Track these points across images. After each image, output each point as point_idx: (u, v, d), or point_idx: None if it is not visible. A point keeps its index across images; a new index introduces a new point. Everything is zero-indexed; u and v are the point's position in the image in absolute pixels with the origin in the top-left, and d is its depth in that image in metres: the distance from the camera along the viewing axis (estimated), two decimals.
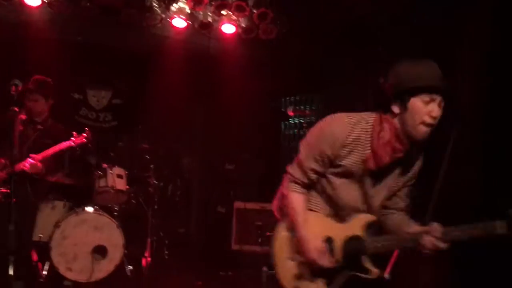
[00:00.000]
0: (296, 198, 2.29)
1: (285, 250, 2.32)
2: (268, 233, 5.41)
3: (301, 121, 6.26)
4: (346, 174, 2.18)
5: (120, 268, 4.97)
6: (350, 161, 2.14)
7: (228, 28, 5.33)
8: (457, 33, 3.73)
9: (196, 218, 6.94)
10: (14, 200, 3.13)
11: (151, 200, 5.46)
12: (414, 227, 2.19)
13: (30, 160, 4.15)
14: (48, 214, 4.94)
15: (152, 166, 5.61)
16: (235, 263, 5.51)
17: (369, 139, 2.11)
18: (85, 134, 4.50)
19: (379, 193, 2.22)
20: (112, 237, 4.93)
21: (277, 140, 6.89)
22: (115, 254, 4.92)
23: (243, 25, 5.30)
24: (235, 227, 5.53)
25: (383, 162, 2.10)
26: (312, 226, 2.24)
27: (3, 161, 4.11)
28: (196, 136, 7.17)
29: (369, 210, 2.24)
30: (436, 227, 2.04)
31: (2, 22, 5.02)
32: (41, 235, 4.84)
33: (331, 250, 2.22)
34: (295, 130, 6.48)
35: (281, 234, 2.38)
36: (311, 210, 2.31)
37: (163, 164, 6.23)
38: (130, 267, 5.08)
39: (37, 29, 5.12)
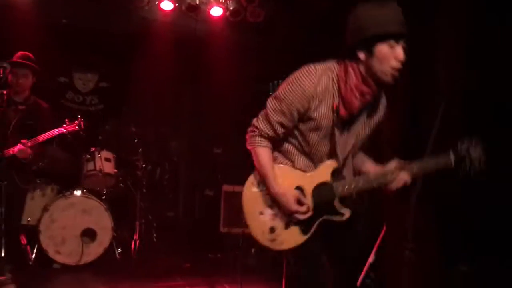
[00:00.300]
0: (263, 152, 2.29)
1: (256, 205, 2.31)
2: None
3: None
4: (319, 127, 2.19)
5: (109, 251, 5.00)
6: (321, 112, 2.15)
7: (216, 11, 5.31)
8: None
9: (184, 201, 6.97)
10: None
11: (139, 183, 5.48)
12: (373, 166, 2.36)
13: (20, 145, 4.09)
14: (36, 198, 4.94)
15: (140, 149, 5.62)
16: (223, 246, 5.56)
17: (336, 87, 2.13)
18: (77, 122, 4.48)
19: (348, 142, 2.25)
20: (101, 220, 4.95)
21: None
22: (104, 237, 4.95)
23: (231, 8, 5.27)
24: (223, 210, 5.56)
25: (353, 107, 2.14)
26: (282, 179, 2.26)
27: None
28: (184, 119, 7.16)
29: (342, 159, 2.27)
30: (397, 163, 2.19)
31: None
32: (29, 219, 4.85)
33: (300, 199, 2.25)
34: None
35: (250, 190, 2.36)
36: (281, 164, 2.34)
37: (151, 148, 6.24)
38: (119, 250, 5.12)
39: (22, 11, 5.04)
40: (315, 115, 2.16)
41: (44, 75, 5.96)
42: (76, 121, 4.48)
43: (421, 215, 3.31)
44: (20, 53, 4.23)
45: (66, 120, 4.45)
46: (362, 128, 2.25)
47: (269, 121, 2.25)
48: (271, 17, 5.40)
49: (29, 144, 4.16)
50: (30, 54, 4.23)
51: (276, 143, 2.34)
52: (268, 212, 2.29)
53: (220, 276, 4.65)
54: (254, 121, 2.34)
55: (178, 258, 5.25)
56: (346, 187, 2.23)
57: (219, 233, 5.57)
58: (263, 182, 2.30)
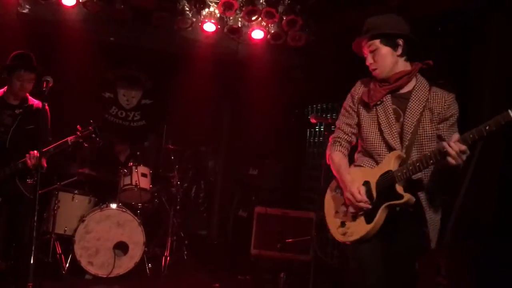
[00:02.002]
0: (337, 155, 2.69)
1: (332, 206, 2.66)
2: (287, 240, 5.41)
3: (322, 129, 6.25)
4: (361, 120, 2.62)
5: (139, 265, 5.05)
6: (359, 107, 2.63)
7: (257, 34, 5.37)
8: None
9: (217, 220, 6.99)
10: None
11: (173, 200, 5.53)
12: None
13: (32, 154, 3.62)
14: (73, 208, 5.07)
15: (176, 166, 5.69)
16: (254, 268, 5.51)
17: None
18: (91, 128, 3.88)
19: (400, 131, 2.51)
20: (134, 234, 5.02)
21: (301, 146, 6.89)
22: (136, 251, 5.01)
23: (272, 31, 5.33)
24: (255, 231, 5.54)
25: (373, 98, 2.55)
26: (353, 178, 2.57)
27: None
28: (222, 140, 7.24)
29: (402, 147, 2.49)
30: (454, 136, 2.20)
31: (39, 20, 5.18)
32: (66, 228, 4.98)
33: (368, 192, 2.48)
34: (320, 138, 6.46)
35: (329, 193, 2.72)
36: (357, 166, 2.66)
37: (188, 166, 6.33)
38: (150, 265, 5.16)
39: (72, 29, 5.26)
40: (358, 110, 2.63)
41: (90, 90, 6.26)
42: (90, 127, 3.88)
43: (455, 250, 3.19)
44: (19, 52, 3.69)
45: (78, 126, 3.91)
46: (410, 117, 2.47)
47: (338, 127, 2.74)
48: (312, 41, 5.40)
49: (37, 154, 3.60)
50: (31, 54, 3.71)
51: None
52: (342, 210, 2.59)
53: None
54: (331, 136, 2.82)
55: (207, 278, 5.23)
56: (404, 170, 2.38)
57: (249, 254, 5.54)
58: (339, 186, 2.65)
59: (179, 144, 5.91)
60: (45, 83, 2.93)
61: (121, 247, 4.96)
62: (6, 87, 3.73)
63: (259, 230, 5.52)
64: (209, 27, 5.28)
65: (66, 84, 4.90)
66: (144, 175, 5.38)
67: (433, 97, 2.47)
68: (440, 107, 2.46)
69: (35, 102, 3.78)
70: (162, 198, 5.84)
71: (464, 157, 2.18)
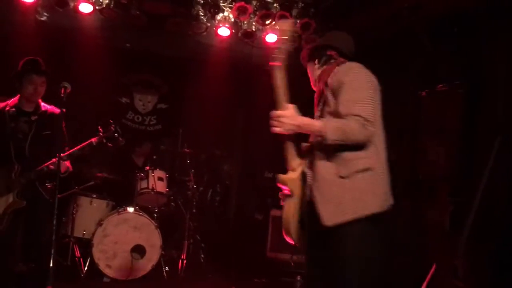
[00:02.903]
0: None
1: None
2: None
3: None
4: None
5: (157, 268, 5.10)
6: None
7: (271, 38, 5.38)
8: None
9: (233, 223, 7.01)
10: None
11: (189, 203, 5.57)
12: None
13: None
14: (91, 212, 5.15)
15: (192, 170, 5.74)
16: (269, 271, 5.52)
17: None
18: (112, 127, 3.99)
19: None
20: (151, 237, 5.08)
21: None
22: (153, 254, 5.05)
23: None
24: (271, 234, 5.55)
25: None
26: None
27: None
28: (237, 143, 7.26)
29: None
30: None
31: (57, 28, 5.28)
32: (84, 232, 5.05)
33: None
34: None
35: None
36: None
37: (204, 170, 6.36)
38: (167, 268, 5.21)
39: (89, 35, 5.35)
40: None
41: (107, 95, 6.34)
42: (111, 127, 3.97)
43: (473, 252, 3.16)
44: (28, 59, 3.78)
45: (99, 127, 4.00)
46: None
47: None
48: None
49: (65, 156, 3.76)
50: (40, 59, 3.78)
51: None
52: None
53: None
54: None
55: (224, 280, 5.25)
56: None
57: (265, 257, 5.54)
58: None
59: (194, 148, 5.96)
60: (63, 89, 2.99)
61: (139, 250, 5.01)
62: (18, 95, 3.79)
63: (275, 233, 5.53)
64: (224, 31, 5.31)
65: (83, 90, 4.95)
66: (160, 179, 5.43)
67: None
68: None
69: (48, 107, 3.82)
70: (178, 201, 5.89)
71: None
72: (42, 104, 3.84)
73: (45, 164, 3.63)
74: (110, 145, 3.88)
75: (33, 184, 3.74)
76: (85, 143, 3.81)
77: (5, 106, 3.74)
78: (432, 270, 3.59)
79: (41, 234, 3.75)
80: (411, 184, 4.23)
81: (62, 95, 2.95)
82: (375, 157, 2.34)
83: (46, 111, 3.82)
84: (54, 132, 3.72)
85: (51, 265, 2.60)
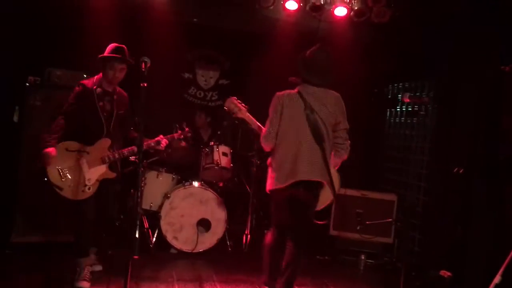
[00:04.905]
0: None
1: None
2: (368, 222, 5.32)
3: (409, 109, 6.01)
4: None
5: (221, 242, 5.19)
6: None
7: (340, 11, 5.22)
8: None
9: None
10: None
11: (253, 179, 5.58)
12: None
13: (160, 138, 4.34)
14: (158, 185, 5.26)
15: (255, 146, 5.72)
16: (332, 249, 5.49)
17: None
18: (187, 129, 4.68)
19: None
20: (216, 212, 5.15)
21: (381, 127, 6.70)
22: (218, 228, 5.14)
23: (356, 8, 5.16)
24: (334, 212, 5.48)
25: None
26: None
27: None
28: None
29: None
30: None
31: (128, 3, 5.34)
32: (151, 204, 5.19)
33: None
34: (402, 118, 6.24)
35: None
36: None
37: None
38: (231, 242, 5.28)
39: (157, 10, 5.38)
40: None
41: (171, 70, 6.38)
42: (187, 130, 4.68)
43: None
44: (114, 45, 4.05)
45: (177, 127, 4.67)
46: None
47: None
48: (397, 17, 5.18)
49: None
50: (124, 46, 4.06)
51: None
52: None
53: (326, 279, 4.71)
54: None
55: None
56: None
57: (328, 235, 5.50)
58: None
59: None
60: (143, 63, 3.02)
61: (204, 224, 5.11)
62: (100, 75, 4.10)
63: (338, 211, 5.46)
64: (291, 5, 5.19)
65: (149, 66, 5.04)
66: (225, 154, 5.46)
67: None
68: None
69: (122, 91, 4.22)
70: (241, 177, 5.91)
71: None
72: (117, 87, 4.18)
73: (146, 143, 4.13)
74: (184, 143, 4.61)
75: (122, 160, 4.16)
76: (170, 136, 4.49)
77: (93, 85, 4.05)
78: None
79: (112, 208, 4.32)
80: (491, 166, 4.04)
81: (143, 69, 2.98)
82: (277, 155, 3.61)
83: (120, 92, 4.19)
84: (125, 112, 4.18)
85: (136, 235, 2.66)
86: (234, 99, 3.82)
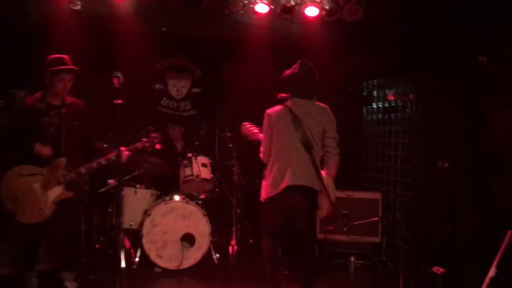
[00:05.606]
0: None
1: None
2: (355, 222, 5.26)
3: (386, 105, 5.99)
4: None
5: (207, 256, 5.02)
6: None
7: (312, 11, 5.14)
8: None
9: None
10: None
11: (234, 188, 5.44)
12: None
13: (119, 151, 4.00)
14: (136, 203, 5.07)
15: (234, 154, 5.59)
16: (321, 252, 5.40)
17: None
18: (154, 135, 4.38)
19: None
20: (199, 225, 5.00)
21: (358, 125, 6.67)
22: (203, 242, 4.98)
23: (327, 7, 5.09)
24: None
25: None
26: None
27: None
28: None
29: None
30: None
31: (92, 15, 5.14)
32: (131, 222, 4.99)
33: None
34: (379, 115, 6.21)
35: None
36: None
37: (245, 152, 6.19)
38: (217, 255, 5.12)
39: (124, 22, 5.19)
40: None
41: (141, 82, 6.20)
42: (152, 135, 4.36)
43: None
44: (56, 56, 3.93)
45: (150, 132, 4.39)
46: None
47: None
48: (368, 15, 5.13)
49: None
50: (67, 57, 3.94)
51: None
52: None
53: (317, 285, 4.54)
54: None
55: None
56: None
57: (316, 239, 5.40)
58: None
59: (235, 132, 5.79)
60: (116, 79, 2.86)
61: (188, 239, 4.95)
62: (43, 90, 3.95)
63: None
64: (262, 8, 5.08)
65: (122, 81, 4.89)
66: (204, 165, 5.32)
67: None
68: None
69: (75, 100, 4.05)
70: (223, 187, 5.77)
71: None
72: (67, 97, 4.02)
73: (99, 160, 3.90)
74: (150, 149, 4.31)
75: (80, 178, 4.00)
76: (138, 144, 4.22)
77: (35, 101, 3.89)
78: (505, 242, 3.40)
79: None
80: (476, 160, 4.01)
81: (116, 85, 2.82)
82: (269, 165, 3.85)
83: (72, 103, 4.01)
84: (81, 123, 4.00)
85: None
86: (245, 124, 4.20)
